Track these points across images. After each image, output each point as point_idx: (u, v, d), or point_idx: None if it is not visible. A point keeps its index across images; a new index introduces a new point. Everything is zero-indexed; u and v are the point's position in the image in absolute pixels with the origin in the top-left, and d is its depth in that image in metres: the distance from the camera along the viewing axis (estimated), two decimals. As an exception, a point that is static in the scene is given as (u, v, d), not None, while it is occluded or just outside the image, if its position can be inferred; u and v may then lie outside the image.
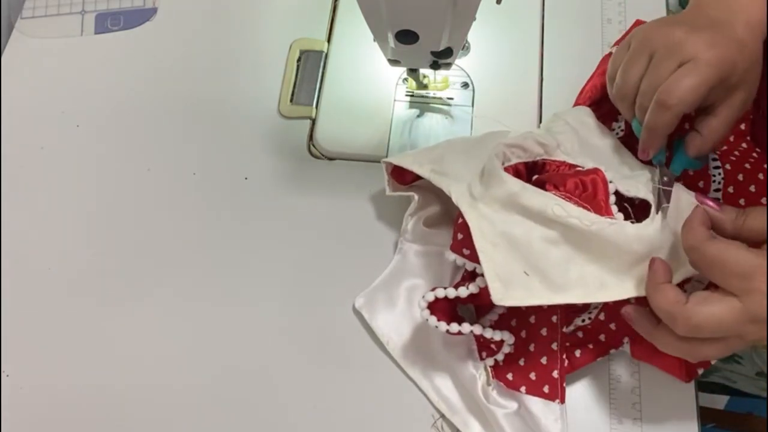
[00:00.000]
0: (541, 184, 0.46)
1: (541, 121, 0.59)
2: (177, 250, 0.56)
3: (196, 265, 0.56)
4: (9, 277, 0.56)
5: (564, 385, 0.47)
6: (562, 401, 0.46)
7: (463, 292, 0.45)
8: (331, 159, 0.59)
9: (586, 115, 0.52)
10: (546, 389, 0.47)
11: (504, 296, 0.42)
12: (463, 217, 0.45)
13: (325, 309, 0.53)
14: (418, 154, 0.51)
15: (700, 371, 0.49)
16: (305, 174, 0.59)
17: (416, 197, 0.52)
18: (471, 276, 0.48)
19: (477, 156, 0.49)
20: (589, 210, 0.43)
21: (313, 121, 0.60)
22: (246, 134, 0.60)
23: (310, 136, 0.60)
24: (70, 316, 0.54)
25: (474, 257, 0.44)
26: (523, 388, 0.47)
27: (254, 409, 0.51)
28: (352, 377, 0.51)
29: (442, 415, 0.49)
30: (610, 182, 0.45)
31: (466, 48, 0.61)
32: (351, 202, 0.57)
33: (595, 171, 0.46)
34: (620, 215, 0.44)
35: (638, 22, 0.59)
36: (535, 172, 0.50)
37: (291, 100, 0.61)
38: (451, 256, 0.47)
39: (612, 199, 0.45)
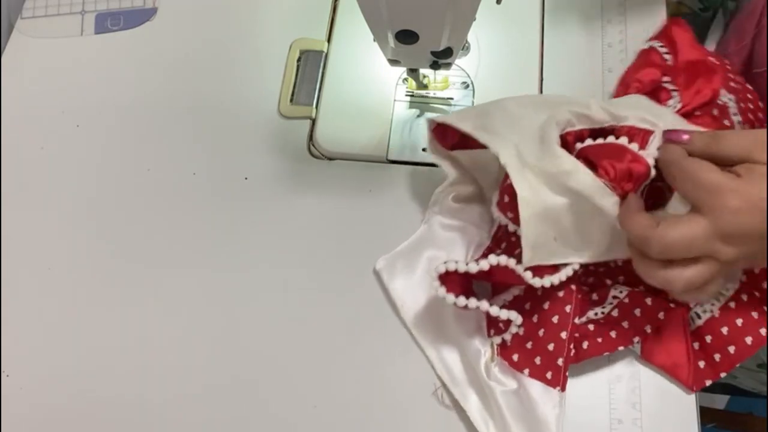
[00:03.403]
0: (590, 163, 0.45)
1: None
2: (177, 250, 0.56)
3: (195, 265, 0.56)
4: (9, 277, 0.56)
5: (566, 374, 0.47)
6: (563, 389, 0.46)
7: (473, 267, 0.45)
8: (331, 159, 0.59)
9: (642, 98, 0.51)
10: (549, 375, 0.47)
11: (530, 260, 0.45)
12: (510, 180, 0.45)
13: (324, 310, 0.53)
14: (463, 110, 0.51)
15: (708, 382, 0.48)
16: (305, 174, 0.59)
17: (454, 172, 0.53)
18: (490, 251, 0.49)
19: (529, 117, 0.48)
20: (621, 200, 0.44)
21: (313, 121, 0.60)
22: (246, 134, 0.60)
23: (310, 136, 0.60)
24: (70, 316, 0.54)
25: (517, 220, 0.45)
26: (526, 371, 0.48)
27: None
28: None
29: (444, 385, 0.49)
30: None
31: (466, 48, 0.61)
32: (351, 202, 0.57)
33: (647, 169, 0.44)
34: None
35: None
36: (600, 135, 0.47)
37: (291, 100, 0.61)
38: (496, 214, 0.49)
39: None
